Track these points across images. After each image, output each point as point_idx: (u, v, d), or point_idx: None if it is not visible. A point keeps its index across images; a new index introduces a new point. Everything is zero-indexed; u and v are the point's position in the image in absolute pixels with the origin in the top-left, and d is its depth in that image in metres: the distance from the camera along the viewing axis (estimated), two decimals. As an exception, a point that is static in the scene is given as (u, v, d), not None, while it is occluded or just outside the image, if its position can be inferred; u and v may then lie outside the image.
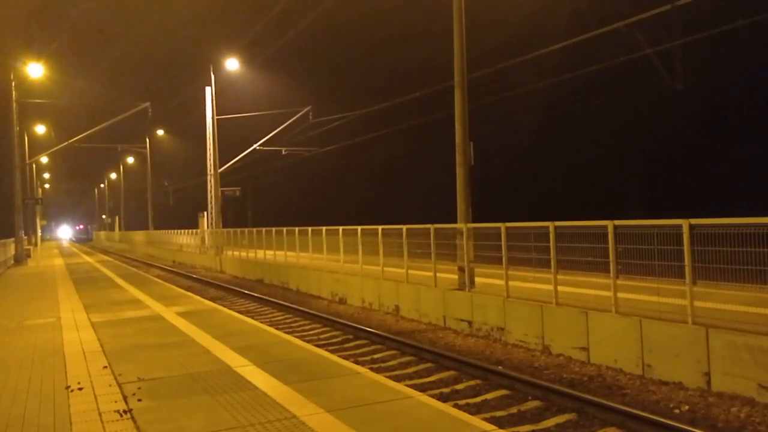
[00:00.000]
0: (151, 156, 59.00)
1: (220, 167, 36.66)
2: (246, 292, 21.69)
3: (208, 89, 37.30)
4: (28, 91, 34.44)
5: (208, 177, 38.77)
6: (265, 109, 38.03)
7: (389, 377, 8.23)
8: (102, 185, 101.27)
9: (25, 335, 10.48)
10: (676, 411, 7.66)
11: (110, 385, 6.87)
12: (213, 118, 36.58)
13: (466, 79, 14.61)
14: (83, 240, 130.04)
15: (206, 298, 16.63)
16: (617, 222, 9.81)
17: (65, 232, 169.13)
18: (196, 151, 45.38)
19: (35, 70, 30.14)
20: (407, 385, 7.38)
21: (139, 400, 6.27)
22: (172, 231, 48.01)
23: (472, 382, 9.28)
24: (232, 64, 32.53)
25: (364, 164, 46.31)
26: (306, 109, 35.24)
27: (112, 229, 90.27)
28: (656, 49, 17.95)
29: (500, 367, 9.92)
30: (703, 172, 28.57)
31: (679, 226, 8.71)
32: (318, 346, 10.28)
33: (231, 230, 35.47)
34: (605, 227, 9.89)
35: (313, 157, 40.37)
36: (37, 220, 63.39)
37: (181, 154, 59.79)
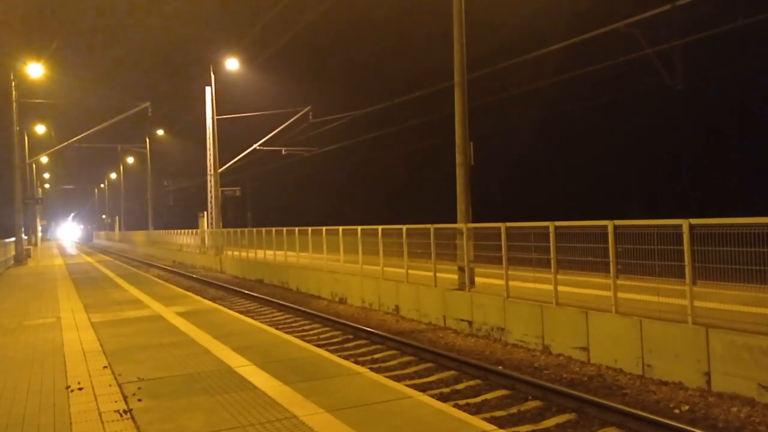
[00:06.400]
0: (151, 156, 59.04)
1: (220, 167, 36.67)
2: (246, 292, 21.69)
3: (208, 89, 37.29)
4: (28, 91, 34.44)
5: (208, 177, 38.77)
6: (265, 109, 38.03)
7: (389, 377, 8.23)
8: (102, 185, 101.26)
9: (25, 335, 10.47)
10: (676, 411, 7.66)
11: (110, 385, 6.87)
12: (213, 118, 36.57)
13: (466, 79, 14.61)
14: (83, 240, 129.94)
15: (206, 298, 16.63)
16: (617, 222, 9.81)
17: (70, 231, 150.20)
18: (196, 151, 45.40)
19: (35, 70, 30.11)
20: (407, 385, 7.38)
21: (139, 400, 6.27)
22: (172, 231, 48.02)
23: (472, 382, 9.28)
24: (232, 64, 32.53)
25: (364, 164, 46.34)
26: (306, 109, 35.23)
27: (111, 229, 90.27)
28: (656, 49, 17.95)
29: (500, 367, 9.92)
30: (704, 171, 28.57)
31: (679, 226, 8.71)
32: (318, 346, 10.28)
33: (231, 230, 35.48)
34: (605, 227, 9.89)
35: (313, 157, 40.44)
36: (38, 220, 63.38)
37: (182, 154, 59.79)
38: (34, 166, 53.66)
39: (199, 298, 15.80)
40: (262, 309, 18.22)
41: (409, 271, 15.43)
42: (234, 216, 57.37)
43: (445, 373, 9.88)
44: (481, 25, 21.36)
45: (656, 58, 18.19)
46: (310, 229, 22.17)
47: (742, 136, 27.30)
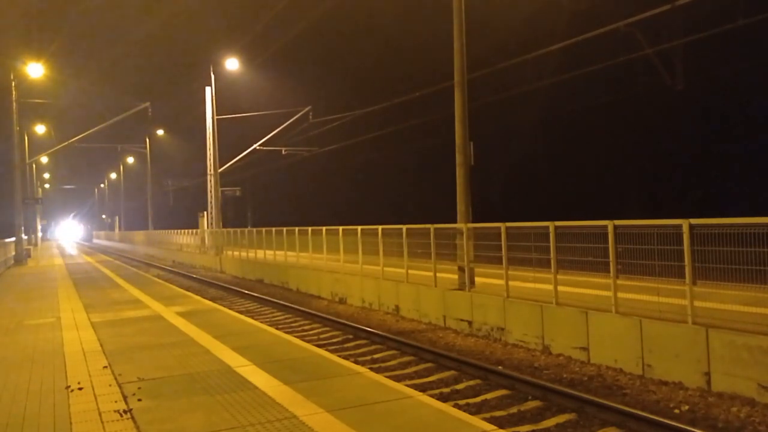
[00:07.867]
0: (151, 156, 59.02)
1: (220, 167, 36.67)
2: (246, 292, 21.69)
3: (208, 89, 37.29)
4: (28, 91, 34.44)
5: (208, 177, 38.76)
6: (265, 108, 38.03)
7: (389, 377, 8.23)
8: (102, 185, 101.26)
9: (25, 335, 10.48)
10: (676, 411, 7.66)
11: (110, 385, 6.87)
12: (213, 118, 36.57)
13: (466, 79, 14.61)
14: (83, 240, 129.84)
15: (206, 298, 16.63)
16: (617, 222, 9.81)
17: (70, 231, 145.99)
18: (197, 151, 45.39)
19: (35, 70, 30.11)
20: (407, 385, 7.38)
21: (139, 399, 6.27)
22: (172, 231, 47.99)
23: (472, 382, 9.28)
24: (232, 64, 32.55)
25: (364, 164, 46.34)
26: (306, 109, 35.23)
27: (111, 229, 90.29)
28: (656, 49, 17.96)
29: (500, 367, 9.92)
30: (704, 171, 28.56)
31: (679, 226, 8.71)
32: (318, 345, 10.28)
33: (231, 230, 35.48)
34: (605, 227, 9.89)
35: (314, 157, 40.44)
36: (38, 220, 63.36)
37: (182, 154, 59.80)
38: (34, 166, 53.66)
39: (199, 298, 15.81)
40: (262, 309, 18.22)
41: (409, 271, 15.43)
42: (234, 216, 57.33)
43: (445, 373, 9.88)
44: (481, 25, 21.36)
45: (656, 58, 18.20)
46: (310, 229, 22.17)
47: (742, 136, 27.28)
